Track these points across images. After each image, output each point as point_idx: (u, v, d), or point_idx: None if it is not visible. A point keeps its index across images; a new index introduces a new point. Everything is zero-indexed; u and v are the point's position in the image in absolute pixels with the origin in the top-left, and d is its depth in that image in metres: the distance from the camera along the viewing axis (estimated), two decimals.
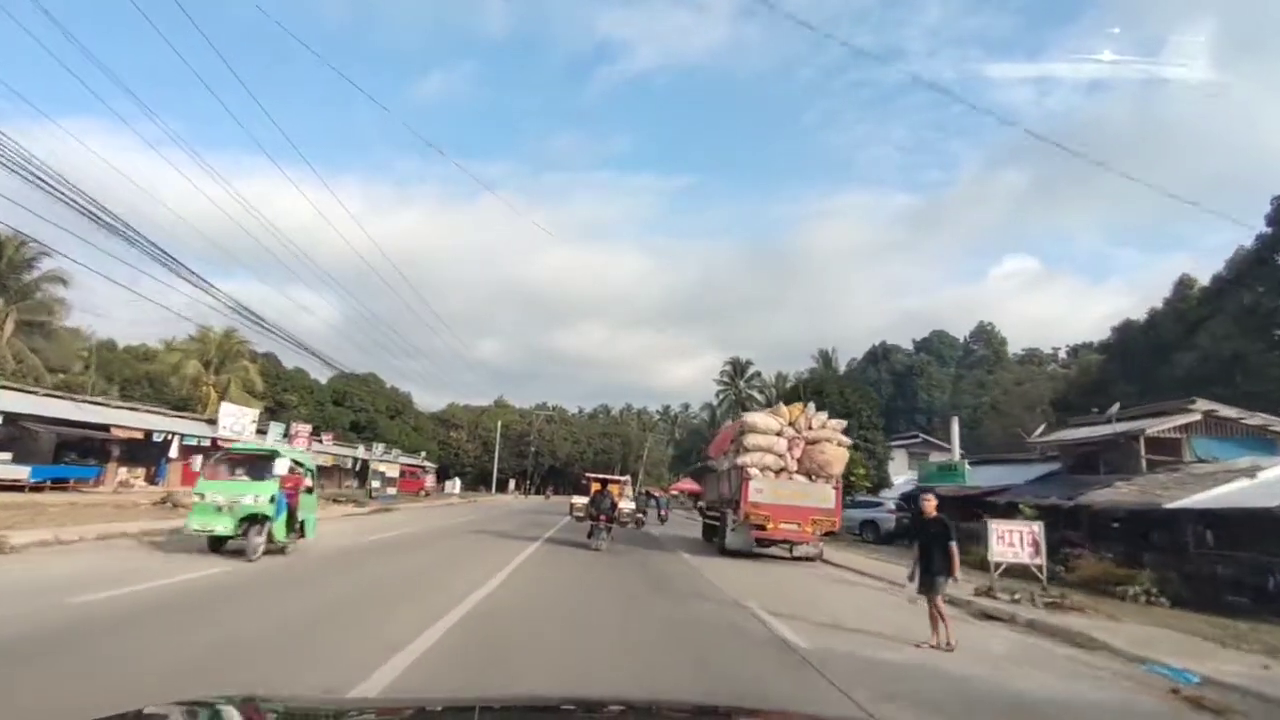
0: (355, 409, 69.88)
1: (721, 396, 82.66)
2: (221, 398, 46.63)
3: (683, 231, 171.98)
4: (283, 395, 65.46)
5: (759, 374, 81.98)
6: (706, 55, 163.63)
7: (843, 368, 72.00)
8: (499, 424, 71.26)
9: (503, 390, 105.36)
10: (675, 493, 69.37)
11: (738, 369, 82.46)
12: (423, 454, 66.53)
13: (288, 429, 40.13)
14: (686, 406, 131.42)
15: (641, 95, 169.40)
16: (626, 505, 19.85)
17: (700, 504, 26.57)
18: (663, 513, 38.12)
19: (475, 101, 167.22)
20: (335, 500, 28.94)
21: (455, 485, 65.13)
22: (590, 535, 16.62)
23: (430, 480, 46.74)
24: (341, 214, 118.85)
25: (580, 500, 18.87)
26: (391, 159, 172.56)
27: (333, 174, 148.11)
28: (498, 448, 70.06)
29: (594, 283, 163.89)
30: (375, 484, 36.27)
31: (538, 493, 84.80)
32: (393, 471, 38.14)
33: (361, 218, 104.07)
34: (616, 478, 25.47)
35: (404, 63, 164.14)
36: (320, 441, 47.94)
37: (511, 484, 72.17)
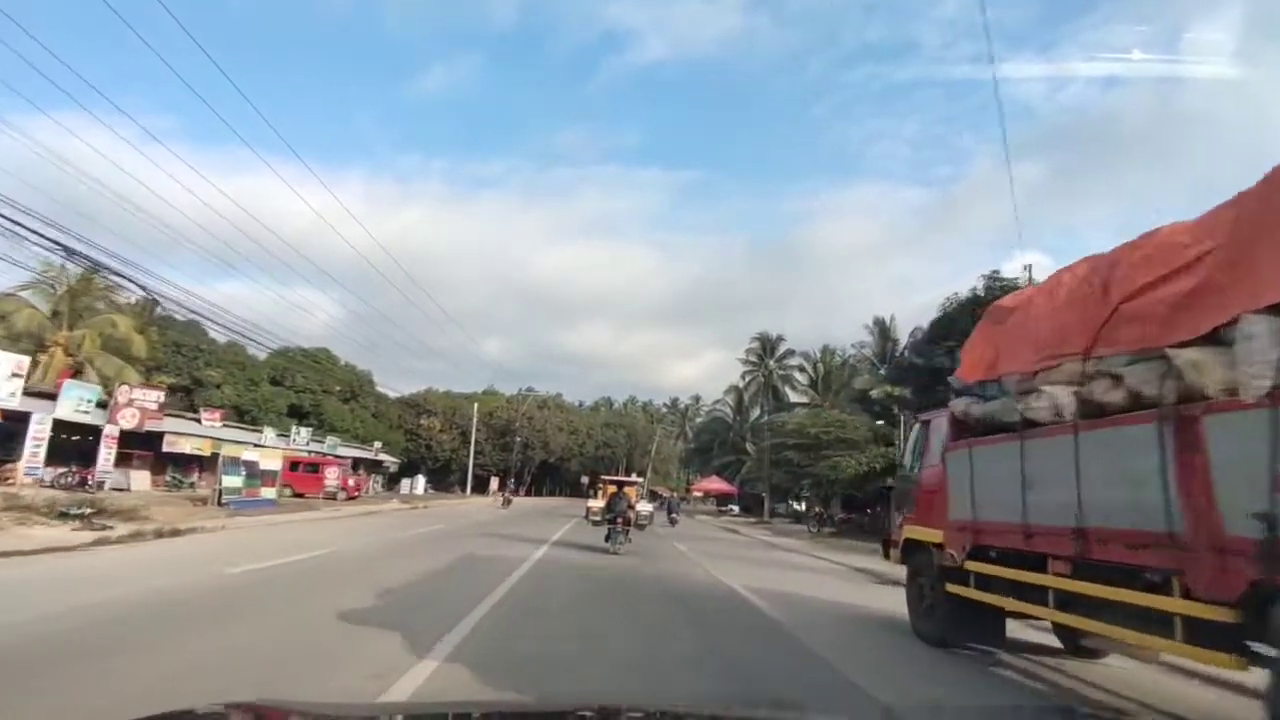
0: (298, 389, 54.46)
1: (749, 378, 67.34)
2: (73, 360, 31.48)
3: (691, 227, 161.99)
4: (203, 370, 50.26)
5: (792, 352, 66.72)
6: (717, 46, 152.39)
7: (904, 338, 56.46)
8: (476, 408, 55.70)
9: (505, 389, 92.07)
10: (699, 494, 54.24)
11: (767, 347, 67.06)
12: (377, 445, 51.06)
13: (109, 396, 24.70)
14: (698, 399, 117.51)
15: (649, 88, 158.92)
16: (644, 507, 17.64)
17: (902, 533, 9.61)
18: (674, 515, 33.06)
19: (480, 95, 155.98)
20: (63, 514, 13.50)
21: (418, 484, 49.66)
22: (608, 538, 15.07)
23: (335, 476, 31.28)
24: (343, 212, 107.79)
25: (596, 504, 17.57)
26: (393, 156, 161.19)
27: (332, 171, 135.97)
28: (473, 438, 54.66)
29: (599, 279, 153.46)
30: (232, 481, 20.83)
31: (528, 493, 69.09)
32: (270, 463, 22.68)
33: (363, 216, 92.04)
34: (632, 479, 22.93)
35: (407, 55, 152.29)
36: (199, 422, 32.53)
37: (494, 483, 56.78)
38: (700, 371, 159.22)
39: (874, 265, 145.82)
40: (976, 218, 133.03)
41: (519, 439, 55.23)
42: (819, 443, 37.55)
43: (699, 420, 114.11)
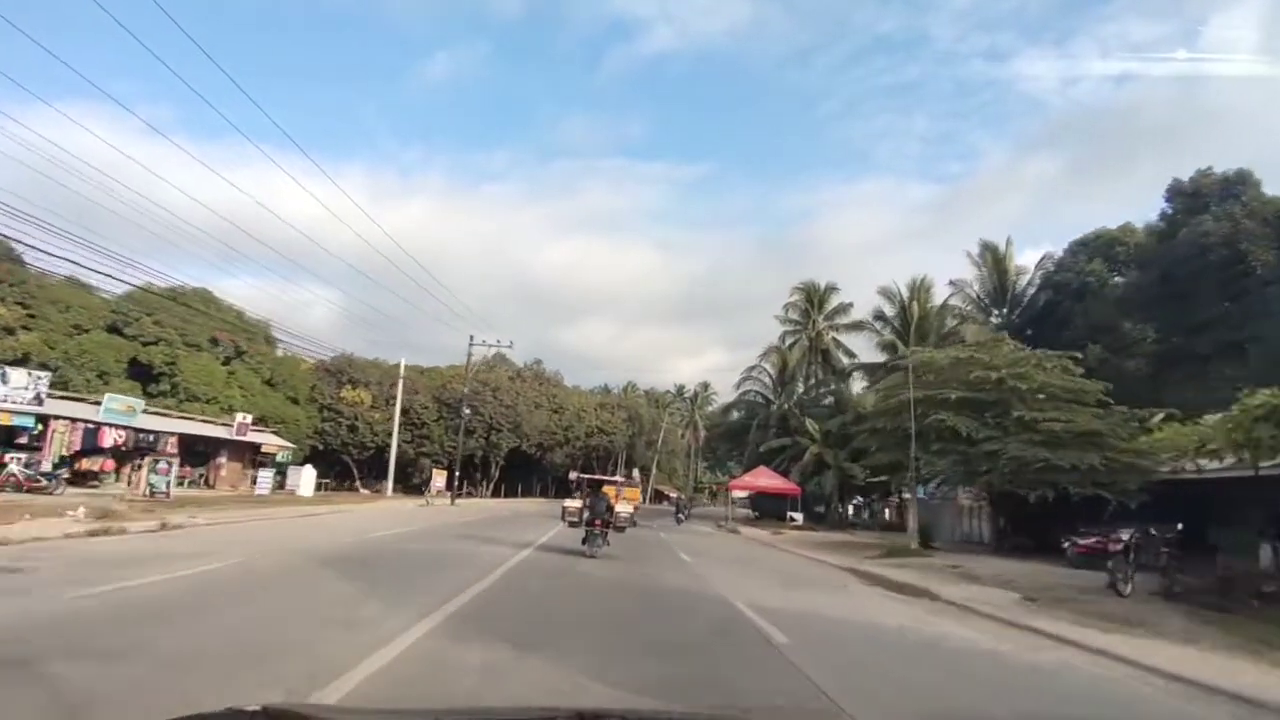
0: (146, 340, 35.79)
1: (792, 340, 48.76)
2: None
3: (697, 222, 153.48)
4: None
5: (847, 306, 48.20)
6: (727, 38, 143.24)
7: (1026, 260, 37.97)
8: (403, 367, 36.83)
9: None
10: (739, 493, 35.71)
11: (813, 300, 48.41)
12: (243, 419, 32.27)
13: None
14: (707, 385, 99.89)
15: (657, 81, 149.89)
16: (624, 509, 15.06)
17: None
18: (680, 515, 31.79)
19: (483, 84, 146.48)
20: None
21: (302, 478, 30.71)
22: (585, 541, 13.02)
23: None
24: (341, 205, 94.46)
25: (574, 504, 15.35)
26: (395, 150, 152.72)
27: (333, 164, 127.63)
28: (398, 414, 35.99)
29: (602, 275, 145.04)
30: None
31: (496, 492, 50.17)
32: None
33: (364, 209, 78.94)
34: (612, 479, 18.86)
35: (410, 45, 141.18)
36: None
37: (437, 479, 38.04)
38: (704, 370, 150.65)
39: (883, 262, 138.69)
40: (987, 214, 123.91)
41: (467, 409, 35.96)
42: (1005, 394, 19.07)
43: (710, 409, 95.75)
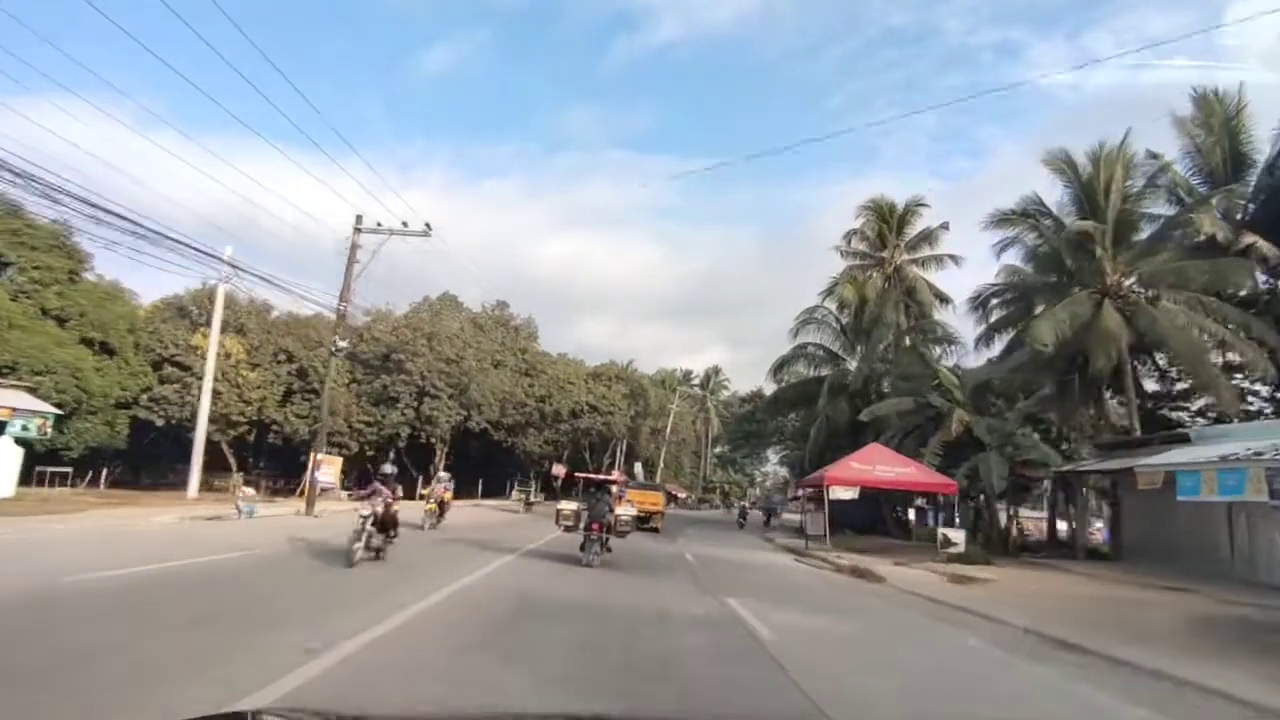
0: None
1: (864, 276, 33.51)
2: None
3: (701, 218, 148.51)
4: None
5: (942, 229, 33.03)
6: (734, 29, 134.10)
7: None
8: (220, 295, 21.11)
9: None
10: (844, 492, 20.60)
11: (889, 222, 33.11)
12: None
13: None
14: (718, 370, 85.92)
15: (662, 72, 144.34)
16: (626, 512, 12.58)
17: None
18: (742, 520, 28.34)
19: (485, 75, 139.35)
20: None
21: None
22: (583, 548, 11.77)
23: None
24: (342, 196, 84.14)
25: (569, 506, 12.68)
26: (395, 144, 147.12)
27: (332, 159, 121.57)
28: (211, 360, 20.62)
29: (604, 271, 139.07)
30: None
31: (458, 492, 34.79)
32: None
33: (362, 204, 71.25)
34: (613, 478, 16.37)
35: (409, 31, 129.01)
36: None
37: (327, 474, 22.75)
38: (706, 368, 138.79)
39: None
40: (992, 209, 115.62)
41: (341, 341, 19.64)
42: None
43: (724, 395, 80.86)
